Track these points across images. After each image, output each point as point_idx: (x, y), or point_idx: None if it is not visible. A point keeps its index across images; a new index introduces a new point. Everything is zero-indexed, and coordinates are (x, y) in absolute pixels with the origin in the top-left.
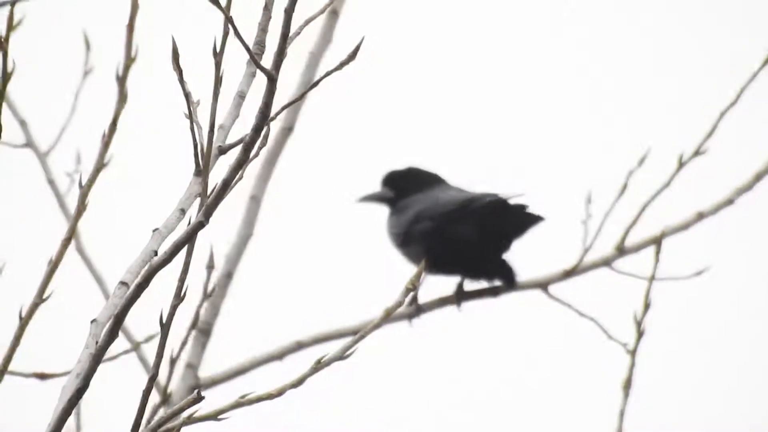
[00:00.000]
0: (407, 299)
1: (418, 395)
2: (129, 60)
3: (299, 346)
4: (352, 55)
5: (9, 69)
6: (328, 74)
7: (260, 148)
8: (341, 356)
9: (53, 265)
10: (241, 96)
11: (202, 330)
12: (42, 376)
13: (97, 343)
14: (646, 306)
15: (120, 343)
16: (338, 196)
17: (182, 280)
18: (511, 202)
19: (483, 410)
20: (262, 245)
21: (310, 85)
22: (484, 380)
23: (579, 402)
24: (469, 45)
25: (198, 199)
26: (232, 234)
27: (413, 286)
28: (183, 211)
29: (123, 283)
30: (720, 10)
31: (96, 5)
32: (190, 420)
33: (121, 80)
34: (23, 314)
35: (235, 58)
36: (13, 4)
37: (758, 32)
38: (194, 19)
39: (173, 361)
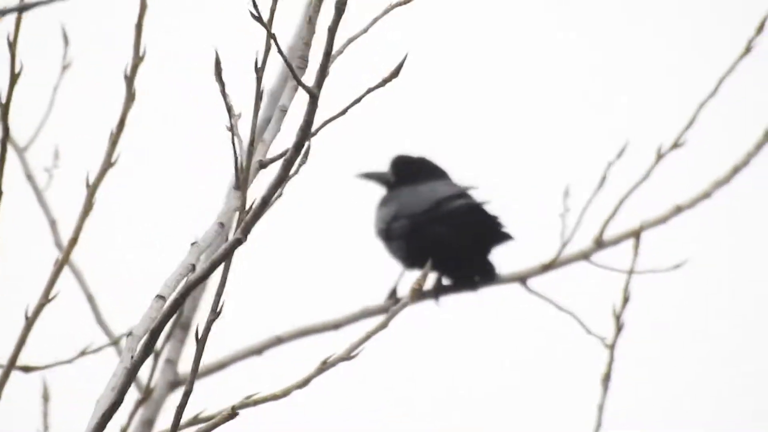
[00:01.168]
0: (386, 293)
1: (394, 389)
2: (137, 59)
3: (279, 340)
4: (395, 73)
5: (16, 70)
6: (370, 90)
7: (300, 166)
8: (347, 356)
9: (59, 266)
10: (282, 110)
11: (182, 324)
12: (26, 369)
13: (132, 357)
14: (625, 299)
15: (101, 338)
16: (320, 190)
17: (219, 294)
18: (478, 206)
19: (461, 404)
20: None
21: (349, 103)
22: (462, 374)
23: (558, 396)
24: (447, 38)
25: (236, 214)
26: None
27: (419, 286)
28: (222, 225)
29: (160, 297)
30: (698, 2)
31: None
32: (195, 420)
33: (129, 79)
34: (29, 314)
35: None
36: (20, 11)
37: (737, 24)
38: (197, 18)
39: (156, 356)
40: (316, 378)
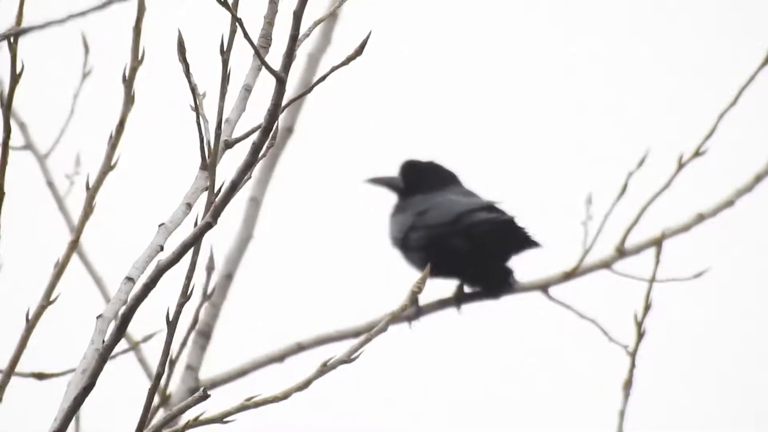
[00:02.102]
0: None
1: (417, 397)
2: (136, 62)
3: (300, 347)
4: (359, 50)
5: (18, 71)
6: (334, 69)
7: (268, 149)
8: (347, 359)
9: (60, 268)
10: (247, 89)
11: (202, 332)
12: (40, 376)
13: (103, 340)
14: (647, 307)
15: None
16: (338, 196)
17: (189, 278)
18: (501, 220)
19: (483, 412)
20: (261, 247)
21: (314, 82)
22: (484, 382)
23: (579, 403)
24: (469, 46)
25: (204, 194)
26: (232, 236)
27: (419, 289)
28: (189, 206)
29: (129, 279)
30: (719, 10)
31: (94, 5)
32: (196, 422)
33: (128, 82)
34: (30, 316)
35: (240, 50)
36: (21, 5)
37: (757, 32)
38: (197, 14)
39: (172, 362)
40: (316, 380)
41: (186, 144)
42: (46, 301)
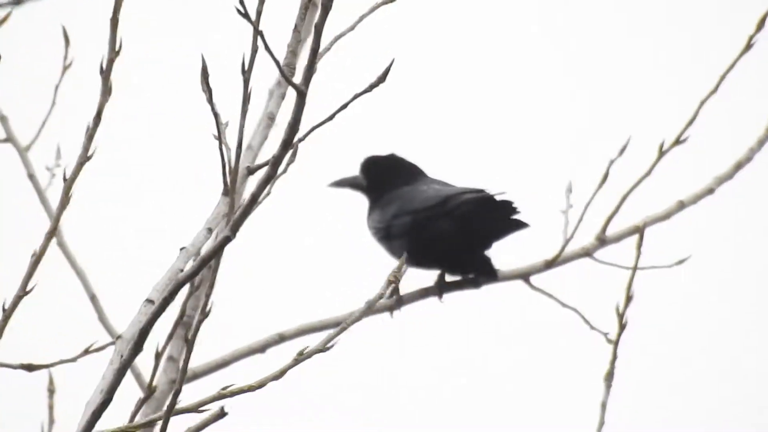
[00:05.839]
0: (389, 291)
1: (399, 387)
2: (113, 54)
3: (281, 338)
4: (382, 78)
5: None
6: (356, 96)
7: (289, 164)
8: (323, 348)
9: (36, 258)
10: (270, 118)
11: (184, 324)
12: (29, 368)
13: (122, 357)
14: (629, 296)
15: (104, 337)
16: (317, 187)
17: (208, 295)
18: (495, 198)
19: (465, 401)
20: (243, 239)
21: (340, 106)
22: (465, 371)
23: (561, 392)
24: (449, 36)
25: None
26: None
27: (395, 278)
28: (210, 231)
29: (149, 301)
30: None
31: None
32: (172, 412)
33: (106, 74)
34: (6, 307)
35: (259, 75)
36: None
37: (738, 21)
38: (208, 28)
39: (158, 355)
40: (291, 369)
41: (178, 144)
42: (23, 292)
